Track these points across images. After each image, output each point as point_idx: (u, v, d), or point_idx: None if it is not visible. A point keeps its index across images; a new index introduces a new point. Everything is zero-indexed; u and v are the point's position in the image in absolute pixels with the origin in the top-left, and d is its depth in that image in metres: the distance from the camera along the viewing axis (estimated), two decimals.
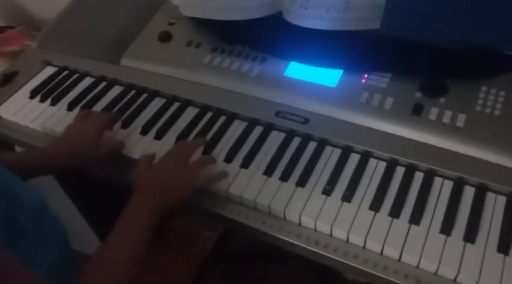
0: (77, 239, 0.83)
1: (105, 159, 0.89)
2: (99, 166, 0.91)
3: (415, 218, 0.74)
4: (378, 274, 0.71)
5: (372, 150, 0.83)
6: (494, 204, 0.75)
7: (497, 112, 0.82)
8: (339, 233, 0.75)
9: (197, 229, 1.68)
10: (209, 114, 0.96)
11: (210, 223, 1.63)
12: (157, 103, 1.01)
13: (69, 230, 0.79)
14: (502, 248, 0.69)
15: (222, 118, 0.95)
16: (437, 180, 0.79)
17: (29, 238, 0.66)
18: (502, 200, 0.75)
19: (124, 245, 0.69)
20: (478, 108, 0.84)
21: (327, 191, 0.79)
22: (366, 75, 0.93)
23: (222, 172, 0.83)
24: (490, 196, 0.76)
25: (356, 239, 0.73)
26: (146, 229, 0.71)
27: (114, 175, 0.91)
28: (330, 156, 0.85)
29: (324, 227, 0.76)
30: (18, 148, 1.18)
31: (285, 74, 0.97)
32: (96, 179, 0.93)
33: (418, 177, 0.80)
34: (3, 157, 0.85)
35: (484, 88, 0.86)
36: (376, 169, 0.82)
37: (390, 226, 0.74)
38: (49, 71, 1.15)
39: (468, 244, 0.70)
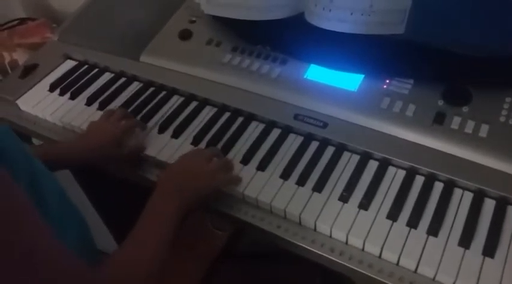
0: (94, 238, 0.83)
1: (125, 159, 0.90)
2: (119, 166, 0.92)
3: (434, 229, 0.72)
4: None
5: (391, 158, 0.82)
6: None
7: None
8: (355, 242, 0.74)
9: (208, 228, 1.68)
10: (227, 114, 0.96)
11: (221, 222, 1.63)
12: (175, 101, 1.01)
13: None
14: None
15: (240, 119, 0.94)
16: (457, 191, 0.77)
17: (53, 221, 0.65)
18: None
19: (148, 241, 0.68)
20: (502, 119, 0.82)
21: (344, 198, 0.78)
22: (387, 81, 0.91)
23: (238, 176, 0.83)
24: (511, 210, 0.74)
25: (372, 248, 0.72)
26: (171, 225, 0.71)
27: (130, 172, 0.91)
28: (348, 162, 0.84)
29: (339, 235, 0.75)
30: (35, 141, 1.19)
31: (305, 77, 0.96)
32: (112, 177, 0.93)
33: (438, 187, 0.78)
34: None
35: (508, 99, 0.84)
36: (394, 177, 0.80)
37: (407, 237, 0.72)
38: (69, 64, 1.15)
39: (487, 259, 0.69)
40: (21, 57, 1.50)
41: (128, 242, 0.67)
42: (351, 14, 0.85)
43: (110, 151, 0.88)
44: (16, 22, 1.69)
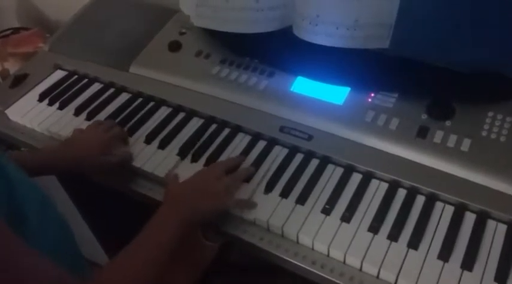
0: (80, 246, 0.83)
1: (112, 168, 0.90)
2: (105, 174, 0.92)
3: (414, 242, 0.73)
4: None
5: (374, 171, 0.83)
6: (495, 232, 0.74)
7: (502, 139, 0.81)
8: (336, 254, 0.74)
9: (199, 239, 1.68)
10: (214, 126, 0.96)
11: (212, 234, 1.63)
12: (163, 112, 1.02)
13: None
14: (499, 278, 0.68)
15: (226, 131, 0.95)
16: (439, 205, 0.78)
17: (30, 229, 0.66)
18: (502, 228, 0.74)
19: (147, 254, 0.69)
20: (484, 134, 0.83)
21: (327, 210, 0.79)
22: (372, 94, 0.92)
23: (252, 202, 0.81)
24: (491, 224, 0.75)
25: (353, 261, 0.73)
26: (172, 240, 0.72)
27: (116, 182, 0.92)
28: (332, 175, 0.84)
29: (321, 247, 0.75)
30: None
31: (292, 89, 0.97)
32: (101, 186, 0.94)
33: (420, 200, 0.79)
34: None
35: (490, 114, 0.85)
36: (377, 190, 0.81)
37: (388, 250, 0.73)
38: (59, 74, 1.16)
39: (465, 272, 0.69)
40: (13, 67, 1.51)
41: (121, 255, 0.68)
42: (337, 28, 0.86)
43: (96, 159, 0.88)
44: (9, 31, 1.70)
